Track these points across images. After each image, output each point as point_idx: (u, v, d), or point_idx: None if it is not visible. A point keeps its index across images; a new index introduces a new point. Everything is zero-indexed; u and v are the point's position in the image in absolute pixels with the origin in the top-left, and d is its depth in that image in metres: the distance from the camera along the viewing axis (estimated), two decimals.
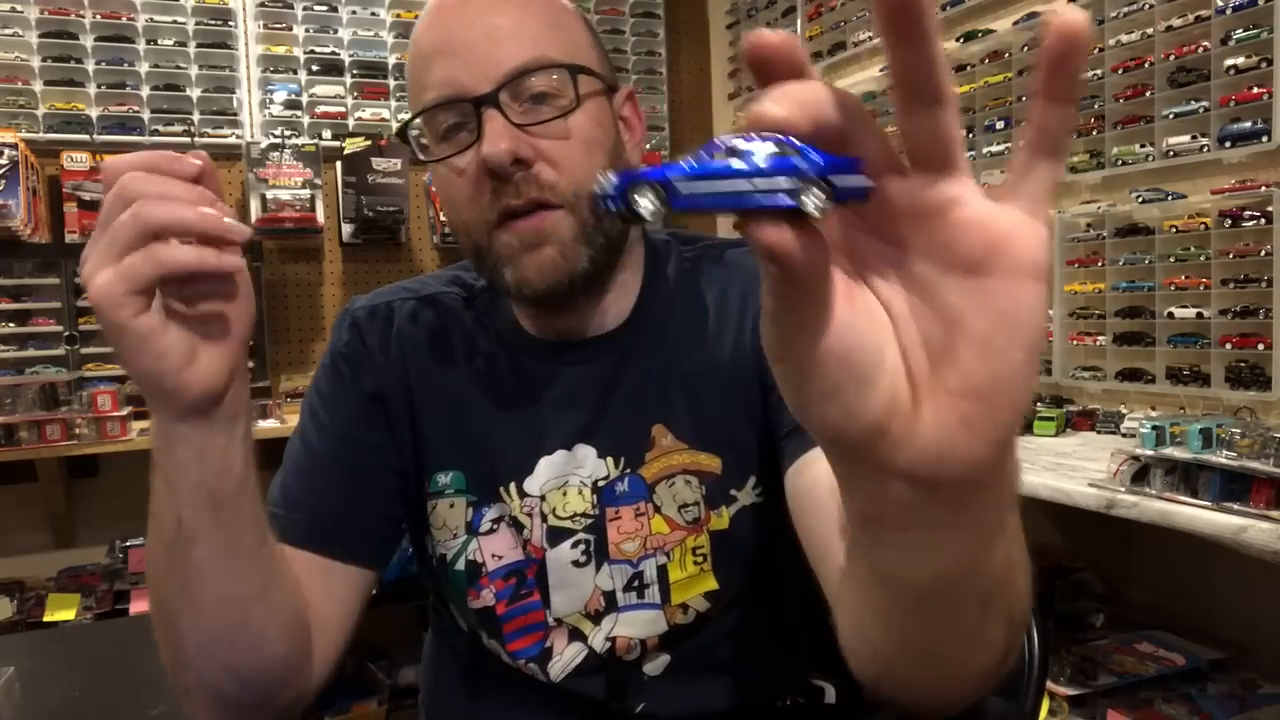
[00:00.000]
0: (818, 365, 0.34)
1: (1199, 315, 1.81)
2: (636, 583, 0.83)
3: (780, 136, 0.31)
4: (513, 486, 0.84)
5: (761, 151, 0.31)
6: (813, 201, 0.31)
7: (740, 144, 0.31)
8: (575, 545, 0.83)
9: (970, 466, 0.35)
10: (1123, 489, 1.43)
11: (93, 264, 0.56)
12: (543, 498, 0.84)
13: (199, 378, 0.59)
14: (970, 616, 0.44)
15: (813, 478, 0.72)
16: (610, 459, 0.83)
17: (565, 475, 0.84)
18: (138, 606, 2.44)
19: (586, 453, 0.84)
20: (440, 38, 0.77)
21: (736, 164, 0.30)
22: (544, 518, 0.84)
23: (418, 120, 0.79)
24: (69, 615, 2.41)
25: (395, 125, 3.04)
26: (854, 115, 0.33)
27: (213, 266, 0.57)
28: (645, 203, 0.31)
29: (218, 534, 0.65)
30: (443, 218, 3.03)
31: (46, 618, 2.39)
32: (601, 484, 0.83)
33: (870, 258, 0.35)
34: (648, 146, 3.38)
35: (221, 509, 0.64)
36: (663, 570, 0.83)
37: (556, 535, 0.84)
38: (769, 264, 0.32)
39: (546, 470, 0.84)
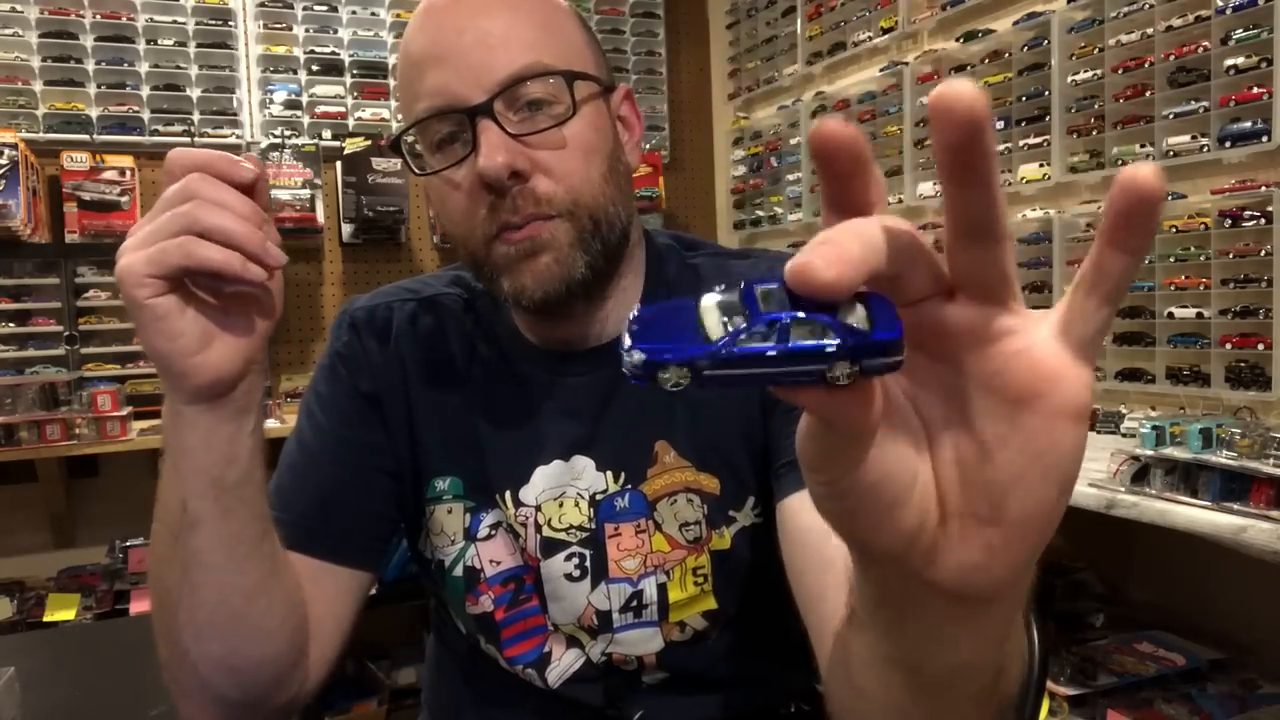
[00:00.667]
0: (853, 488, 0.34)
1: (1199, 315, 1.81)
2: (635, 602, 0.82)
3: (815, 312, 0.30)
4: (508, 495, 0.83)
5: (792, 333, 0.30)
6: (841, 373, 0.30)
7: (771, 319, 0.30)
8: (569, 558, 0.82)
9: (991, 587, 0.35)
10: (1123, 489, 1.43)
11: (130, 243, 0.59)
12: (538, 507, 0.83)
13: (210, 364, 0.61)
14: (968, 706, 0.45)
15: (809, 522, 0.70)
16: (610, 473, 0.82)
17: (562, 486, 0.82)
18: (138, 606, 2.44)
19: (585, 465, 0.82)
20: (430, 44, 0.76)
21: (764, 349, 0.30)
22: (538, 528, 0.83)
23: (411, 130, 0.77)
24: (69, 615, 2.41)
25: (395, 125, 3.04)
26: (905, 254, 0.32)
27: (236, 273, 0.59)
28: (671, 378, 0.31)
29: (220, 522, 0.65)
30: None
31: (46, 618, 2.39)
32: (600, 498, 0.82)
33: (914, 373, 0.35)
34: (647, 146, 3.38)
35: (225, 497, 0.65)
36: (663, 589, 0.82)
37: (550, 547, 0.83)
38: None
39: (542, 480, 0.83)
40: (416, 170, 0.79)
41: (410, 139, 0.78)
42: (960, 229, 0.32)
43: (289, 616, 0.74)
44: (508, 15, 0.75)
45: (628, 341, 0.31)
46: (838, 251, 0.29)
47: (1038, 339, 0.33)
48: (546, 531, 0.82)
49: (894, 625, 0.41)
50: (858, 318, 0.30)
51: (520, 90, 0.74)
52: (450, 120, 0.75)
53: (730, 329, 0.30)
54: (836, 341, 0.30)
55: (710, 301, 0.32)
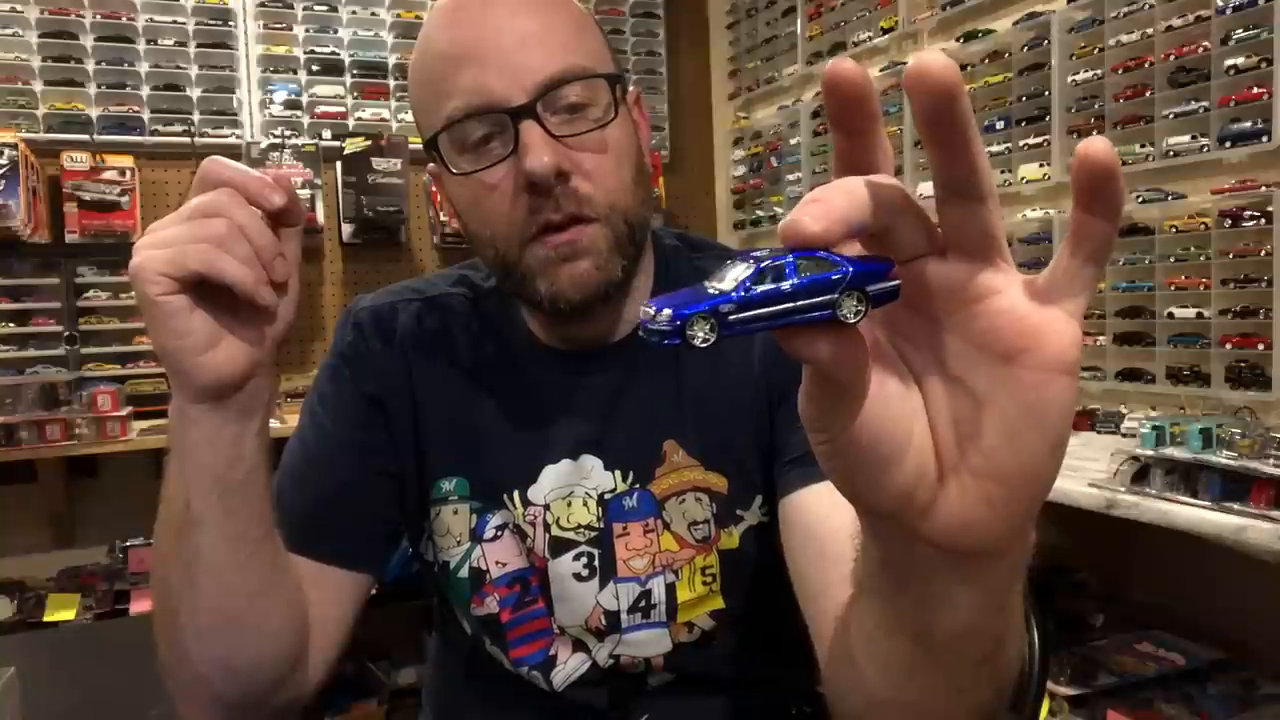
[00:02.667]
0: (851, 444, 0.35)
1: (1199, 315, 1.81)
2: (643, 602, 0.82)
3: (814, 251, 0.32)
4: (516, 495, 0.83)
5: (800, 269, 0.32)
6: (850, 309, 0.33)
7: (778, 261, 0.32)
8: (577, 558, 0.82)
9: (990, 540, 0.37)
10: (1123, 489, 1.43)
11: (147, 240, 0.60)
12: (546, 507, 0.82)
13: (216, 364, 0.61)
14: (965, 675, 0.46)
15: (814, 518, 0.71)
16: (618, 472, 0.82)
17: (571, 486, 0.82)
18: (138, 606, 2.43)
19: (593, 464, 0.82)
20: (464, 41, 0.73)
21: (778, 287, 0.32)
22: (546, 527, 0.82)
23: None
24: (69, 615, 2.40)
25: (395, 125, 3.04)
26: (892, 209, 0.33)
27: (248, 293, 0.60)
28: (700, 334, 0.33)
29: (223, 521, 0.65)
30: (443, 218, 3.02)
31: (46, 618, 2.39)
32: (608, 497, 0.82)
33: (909, 332, 0.37)
34: None
35: (228, 496, 0.65)
36: (671, 589, 0.82)
37: (558, 546, 0.82)
38: (809, 368, 0.34)
39: (551, 479, 0.83)
40: (454, 170, 0.75)
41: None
42: (945, 189, 0.34)
43: (290, 618, 0.74)
44: (542, 16, 0.74)
45: (651, 311, 0.33)
46: (824, 208, 0.32)
47: (1023, 298, 0.34)
48: (555, 531, 0.82)
49: (898, 588, 0.42)
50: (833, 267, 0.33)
51: (561, 92, 0.73)
52: (487, 121, 0.73)
53: (744, 279, 0.33)
54: (842, 270, 0.32)
55: (711, 280, 0.34)
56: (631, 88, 0.83)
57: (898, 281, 0.34)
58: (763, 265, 0.32)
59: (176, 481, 0.66)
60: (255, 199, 0.61)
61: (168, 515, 0.67)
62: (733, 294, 0.32)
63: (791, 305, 0.32)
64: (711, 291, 0.33)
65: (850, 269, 0.32)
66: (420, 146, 0.80)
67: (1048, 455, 0.35)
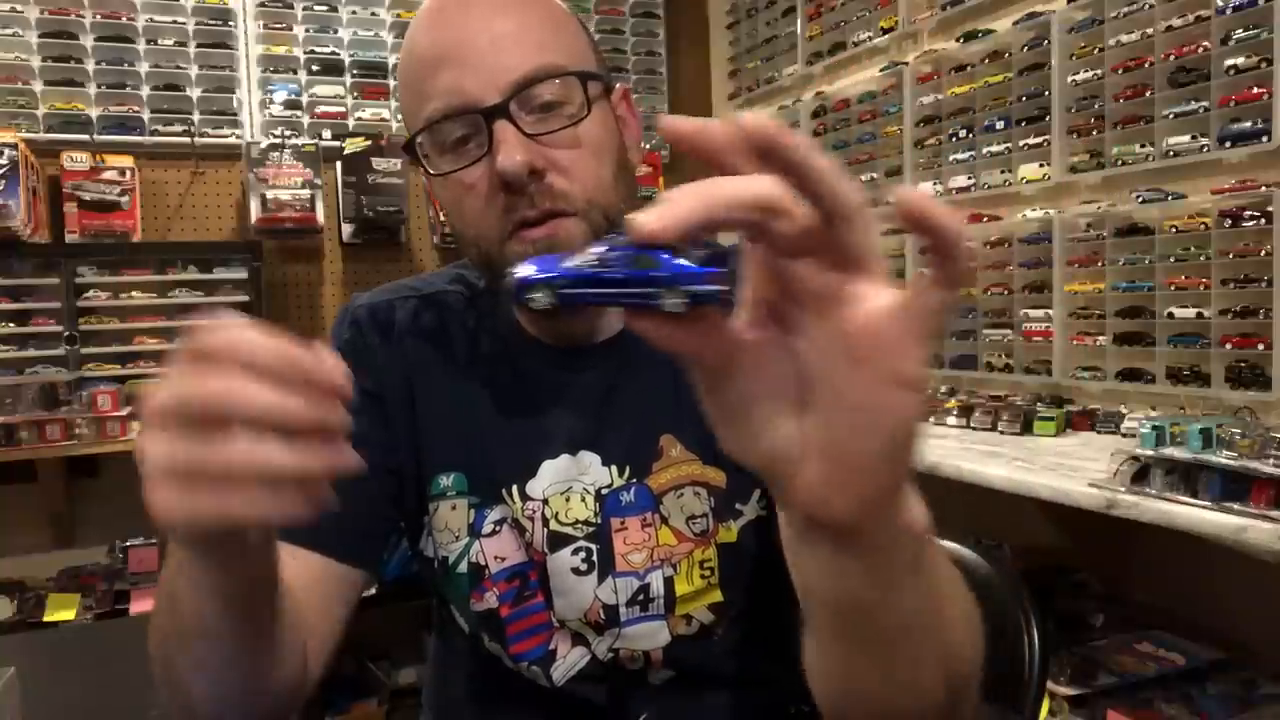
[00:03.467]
0: (717, 403, 0.41)
1: (1199, 315, 1.81)
2: (642, 596, 0.82)
3: (654, 248, 0.37)
4: (515, 489, 0.83)
5: (635, 261, 0.38)
6: (670, 304, 0.38)
7: (625, 251, 0.38)
8: (576, 552, 0.83)
9: (841, 518, 0.41)
10: (1123, 489, 1.43)
11: (159, 465, 0.44)
12: (545, 501, 0.83)
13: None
14: (886, 656, 0.49)
15: None
16: (615, 467, 0.83)
17: (569, 481, 0.83)
18: (138, 606, 2.44)
19: (591, 460, 0.83)
20: (441, 43, 0.75)
21: (611, 273, 0.38)
22: (545, 522, 0.83)
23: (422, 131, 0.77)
24: (69, 615, 2.41)
25: (395, 125, 3.04)
26: (749, 212, 0.36)
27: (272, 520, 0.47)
28: (540, 298, 0.40)
29: (224, 619, 0.60)
30: (442, 218, 3.02)
31: (46, 618, 2.39)
32: (605, 492, 0.83)
33: (795, 319, 0.40)
34: (648, 146, 3.38)
35: (232, 604, 0.59)
36: (669, 582, 0.82)
37: (557, 541, 0.83)
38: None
39: (550, 474, 0.83)
40: (431, 171, 0.78)
41: (419, 140, 0.78)
42: (811, 205, 0.36)
43: (292, 654, 0.71)
44: (518, 16, 0.76)
45: (520, 269, 0.40)
46: (668, 209, 0.35)
47: (882, 311, 0.37)
48: (554, 525, 0.83)
49: (800, 553, 0.46)
50: (696, 259, 0.38)
51: (535, 91, 0.74)
52: (464, 121, 0.75)
53: (583, 259, 0.39)
54: (665, 269, 0.37)
55: (592, 247, 0.39)
56: (620, 85, 0.84)
57: (717, 288, 0.38)
58: (610, 251, 0.38)
59: (174, 577, 0.59)
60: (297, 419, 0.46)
61: (165, 596, 0.61)
62: (570, 271, 0.39)
63: (619, 291, 0.38)
64: (568, 265, 0.39)
65: (673, 270, 0.37)
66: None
67: (877, 453, 0.38)
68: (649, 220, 0.35)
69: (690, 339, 0.39)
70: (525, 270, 0.40)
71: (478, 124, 0.74)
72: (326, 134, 2.97)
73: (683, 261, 0.37)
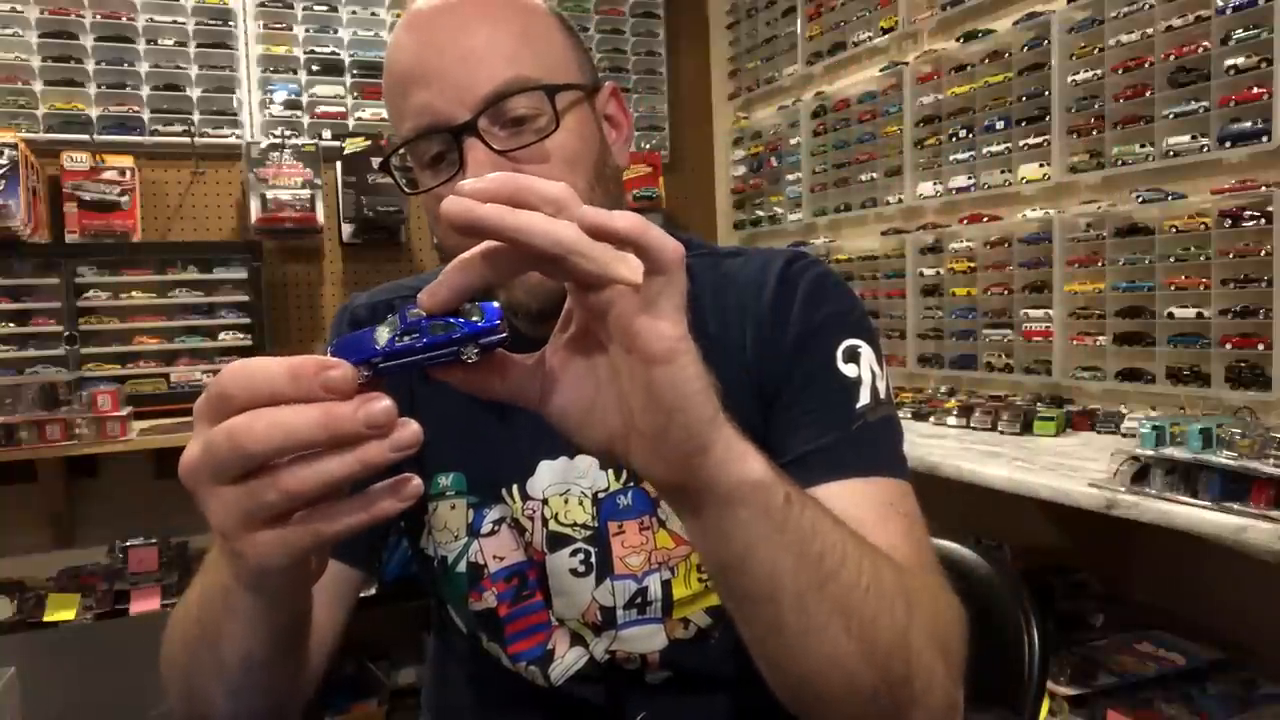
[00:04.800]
0: (556, 417, 0.54)
1: (1199, 315, 1.81)
2: (639, 599, 0.82)
3: (444, 316, 0.47)
4: (515, 488, 0.84)
5: (431, 329, 0.47)
6: (469, 354, 0.48)
7: (420, 323, 0.47)
8: (574, 554, 0.83)
9: (665, 481, 0.52)
10: (1123, 489, 1.43)
11: (232, 523, 0.46)
12: (544, 501, 0.83)
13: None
14: (773, 617, 0.55)
15: None
16: (612, 471, 0.83)
17: (568, 483, 0.83)
18: (138, 606, 2.44)
19: (589, 463, 0.83)
20: (412, 63, 0.76)
21: (414, 343, 0.47)
22: (544, 522, 0.83)
23: (402, 150, 0.78)
24: (69, 615, 2.40)
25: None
26: (502, 267, 0.47)
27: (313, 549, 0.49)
28: (366, 371, 0.46)
29: (268, 648, 0.61)
30: None
31: (46, 618, 2.39)
32: (602, 496, 0.82)
33: (599, 334, 0.50)
34: (648, 146, 3.38)
35: (280, 635, 0.60)
36: (667, 585, 0.82)
37: (556, 541, 0.83)
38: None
39: (549, 474, 0.83)
40: (407, 190, 0.81)
41: (397, 160, 0.80)
42: (528, 252, 0.45)
43: (309, 667, 0.72)
44: (487, 30, 0.75)
45: (335, 351, 0.47)
46: (441, 285, 0.47)
47: (632, 308, 0.47)
48: (554, 526, 0.83)
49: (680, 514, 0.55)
50: (476, 315, 0.48)
51: (505, 105, 0.74)
52: (438, 139, 0.75)
53: (391, 336, 0.47)
54: (459, 330, 0.47)
55: (381, 326, 0.48)
56: (609, 83, 0.84)
57: (503, 335, 0.48)
58: (406, 325, 0.47)
59: (214, 576, 0.58)
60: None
61: (200, 592, 0.61)
62: (381, 349, 0.46)
63: (425, 356, 0.47)
64: (372, 343, 0.46)
65: (463, 330, 0.47)
66: None
67: (665, 420, 0.48)
68: (425, 299, 0.46)
69: (490, 378, 0.50)
70: (345, 353, 0.46)
71: (449, 142, 0.75)
72: (326, 134, 2.97)
73: (470, 318, 0.48)
